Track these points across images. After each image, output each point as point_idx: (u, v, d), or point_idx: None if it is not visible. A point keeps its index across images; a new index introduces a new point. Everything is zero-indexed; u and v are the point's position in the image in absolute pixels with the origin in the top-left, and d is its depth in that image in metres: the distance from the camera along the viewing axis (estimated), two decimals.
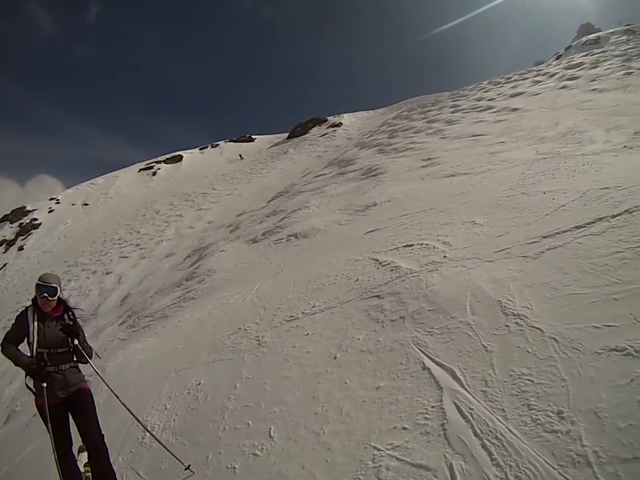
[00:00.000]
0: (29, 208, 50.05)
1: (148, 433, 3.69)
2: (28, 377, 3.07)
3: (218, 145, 58.19)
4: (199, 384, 4.31)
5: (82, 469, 3.43)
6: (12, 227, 46.62)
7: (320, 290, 5.27)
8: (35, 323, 3.02)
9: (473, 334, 3.08)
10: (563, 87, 16.72)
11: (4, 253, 40.96)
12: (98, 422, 3.19)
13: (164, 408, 4.22)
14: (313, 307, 4.87)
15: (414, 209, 7.06)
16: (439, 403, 2.63)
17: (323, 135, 43.31)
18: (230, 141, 58.73)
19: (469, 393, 2.60)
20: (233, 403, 3.69)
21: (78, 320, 3.32)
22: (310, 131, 48.16)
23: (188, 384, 4.42)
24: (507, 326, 2.99)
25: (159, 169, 53.03)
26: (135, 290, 15.81)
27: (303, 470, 2.66)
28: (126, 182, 51.92)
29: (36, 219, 45.92)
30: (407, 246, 5.31)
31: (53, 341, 3.05)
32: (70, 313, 3.25)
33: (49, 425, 3.00)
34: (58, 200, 51.43)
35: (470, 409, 2.50)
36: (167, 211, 30.71)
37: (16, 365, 2.99)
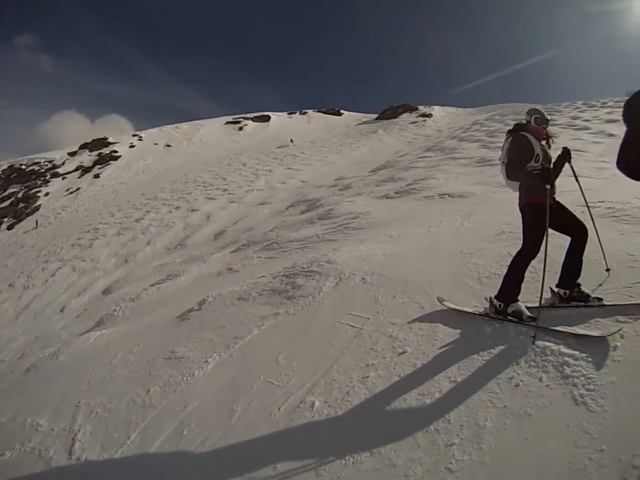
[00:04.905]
0: (110, 140, 51.31)
1: None
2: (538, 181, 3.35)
3: (306, 112, 57.83)
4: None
5: None
6: (90, 155, 47.99)
7: None
8: (538, 144, 3.47)
9: None
10: None
11: (78, 177, 42.64)
12: None
13: None
14: None
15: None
16: None
17: (413, 122, 43.21)
18: (318, 111, 57.99)
19: None
20: None
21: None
22: (400, 116, 48.09)
23: None
24: None
25: (246, 124, 53.58)
26: (231, 228, 15.96)
27: None
28: (211, 131, 52.91)
29: (116, 152, 47.28)
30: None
31: (546, 159, 3.54)
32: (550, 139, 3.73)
33: (547, 219, 3.25)
34: (140, 137, 52.80)
35: None
36: (255, 165, 30.90)
37: (524, 179, 3.42)
